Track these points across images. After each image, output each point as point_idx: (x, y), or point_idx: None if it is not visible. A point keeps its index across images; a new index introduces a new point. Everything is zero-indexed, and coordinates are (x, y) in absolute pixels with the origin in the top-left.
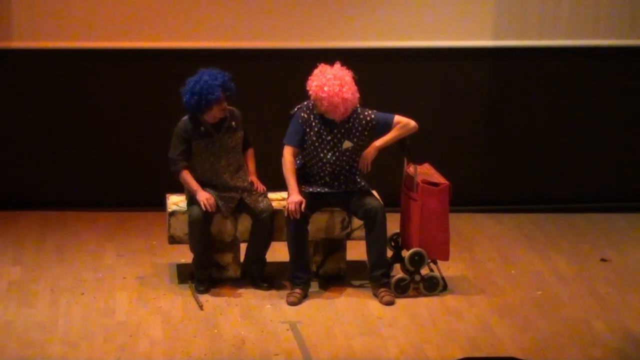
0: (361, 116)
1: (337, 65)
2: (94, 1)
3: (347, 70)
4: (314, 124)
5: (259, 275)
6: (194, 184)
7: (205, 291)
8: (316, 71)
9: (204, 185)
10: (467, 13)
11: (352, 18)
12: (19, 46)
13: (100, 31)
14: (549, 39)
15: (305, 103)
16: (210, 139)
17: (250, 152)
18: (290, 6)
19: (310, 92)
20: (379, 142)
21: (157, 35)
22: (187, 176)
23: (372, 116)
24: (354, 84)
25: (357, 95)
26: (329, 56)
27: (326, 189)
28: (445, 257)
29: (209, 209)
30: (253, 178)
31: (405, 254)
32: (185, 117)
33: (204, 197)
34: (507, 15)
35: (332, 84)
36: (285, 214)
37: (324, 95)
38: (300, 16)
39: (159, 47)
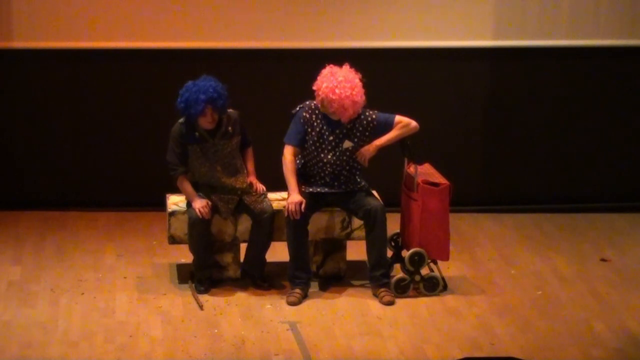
0: (362, 117)
1: (347, 67)
2: (94, 1)
3: (356, 73)
4: (315, 123)
5: (259, 275)
6: (190, 191)
7: (205, 291)
8: (325, 72)
9: (202, 186)
10: (467, 13)
11: (352, 18)
12: (19, 46)
13: (100, 31)
14: (549, 39)
15: (307, 103)
16: (204, 144)
17: (249, 152)
18: (290, 6)
19: (320, 93)
20: (379, 142)
21: (157, 35)
22: (184, 182)
23: (374, 116)
24: (361, 86)
25: (364, 97)
26: (329, 56)
27: (326, 189)
28: (445, 257)
29: (205, 217)
30: (252, 179)
31: (405, 254)
32: (181, 120)
33: (200, 204)
34: (507, 15)
35: (343, 87)
36: (285, 214)
37: (334, 97)
38: (300, 16)
39: (159, 47)
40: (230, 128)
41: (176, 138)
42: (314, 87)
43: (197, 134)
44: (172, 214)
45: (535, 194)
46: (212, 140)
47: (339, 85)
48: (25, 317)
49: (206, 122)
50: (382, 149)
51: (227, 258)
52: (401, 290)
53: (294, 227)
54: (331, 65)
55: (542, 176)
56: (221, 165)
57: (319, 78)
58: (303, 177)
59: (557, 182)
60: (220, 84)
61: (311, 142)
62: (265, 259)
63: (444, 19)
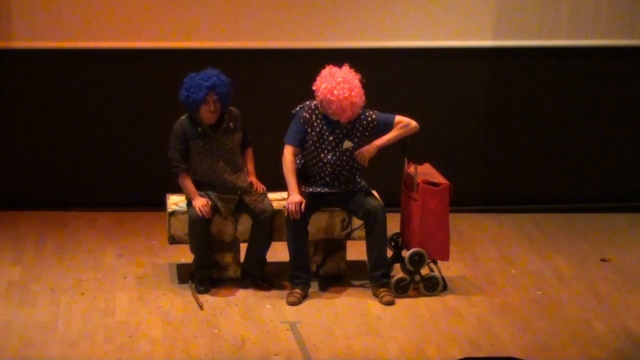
0: (362, 117)
1: (346, 68)
2: (94, 1)
3: (356, 74)
4: (315, 123)
5: (259, 275)
6: (191, 189)
7: (205, 291)
8: (324, 73)
9: (203, 185)
10: (467, 13)
11: (352, 18)
12: (19, 46)
13: (100, 31)
14: (549, 39)
15: (307, 103)
16: (207, 140)
17: (249, 152)
18: (290, 6)
19: (319, 94)
20: (379, 142)
21: (157, 35)
22: (185, 180)
23: (374, 116)
24: (361, 87)
25: (364, 98)
26: (329, 56)
27: (326, 189)
28: (445, 257)
29: (205, 216)
30: (252, 178)
31: (405, 254)
32: (184, 117)
33: (200, 203)
34: (507, 15)
35: (341, 88)
36: (285, 214)
37: (333, 98)
38: (300, 16)
39: (159, 47)
40: (232, 124)
41: (178, 134)
42: (314, 88)
43: (199, 129)
44: (172, 214)
45: (535, 194)
46: (214, 135)
47: (337, 86)
48: (25, 317)
49: (208, 111)
50: (382, 149)
51: (227, 258)
52: (401, 290)
53: (294, 227)
54: (330, 66)
55: (542, 176)
56: (223, 161)
57: (318, 79)
58: (303, 177)
59: (557, 182)
60: (224, 76)
61: (311, 142)
62: (265, 259)
63: (444, 19)
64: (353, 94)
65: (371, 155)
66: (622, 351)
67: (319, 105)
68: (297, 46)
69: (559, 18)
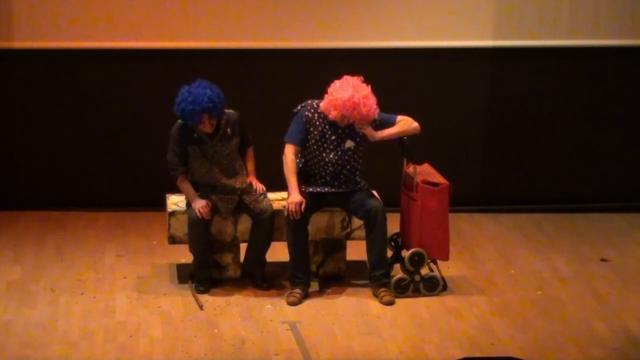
0: None
1: (345, 78)
2: (94, 1)
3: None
4: (318, 123)
5: (259, 275)
6: (190, 192)
7: (205, 291)
8: (337, 93)
9: (202, 186)
10: (467, 13)
11: (352, 18)
12: (19, 46)
13: (100, 31)
14: (549, 39)
15: (309, 102)
16: (203, 146)
17: (250, 152)
18: (290, 6)
19: (349, 106)
20: (381, 134)
21: (157, 35)
22: (184, 183)
23: (376, 116)
24: None
25: None
26: (329, 56)
27: (326, 189)
28: (445, 257)
29: (204, 217)
30: (252, 178)
31: (405, 254)
32: (181, 121)
33: (199, 205)
34: (507, 15)
35: (362, 88)
36: (285, 214)
37: (371, 101)
38: (300, 16)
39: (159, 47)
40: (229, 130)
41: (176, 138)
42: (334, 105)
43: (195, 135)
44: (172, 214)
45: (535, 194)
46: (210, 141)
47: (357, 93)
48: (25, 317)
49: (204, 127)
50: (382, 149)
51: (227, 258)
52: (401, 290)
53: (294, 227)
54: (333, 85)
55: (542, 176)
56: (220, 167)
57: (332, 99)
58: (303, 176)
59: (557, 182)
60: (215, 90)
61: (313, 141)
62: (265, 259)
63: (444, 19)
64: (366, 89)
65: (372, 135)
66: (622, 351)
67: (345, 117)
68: (297, 46)
69: (559, 18)
